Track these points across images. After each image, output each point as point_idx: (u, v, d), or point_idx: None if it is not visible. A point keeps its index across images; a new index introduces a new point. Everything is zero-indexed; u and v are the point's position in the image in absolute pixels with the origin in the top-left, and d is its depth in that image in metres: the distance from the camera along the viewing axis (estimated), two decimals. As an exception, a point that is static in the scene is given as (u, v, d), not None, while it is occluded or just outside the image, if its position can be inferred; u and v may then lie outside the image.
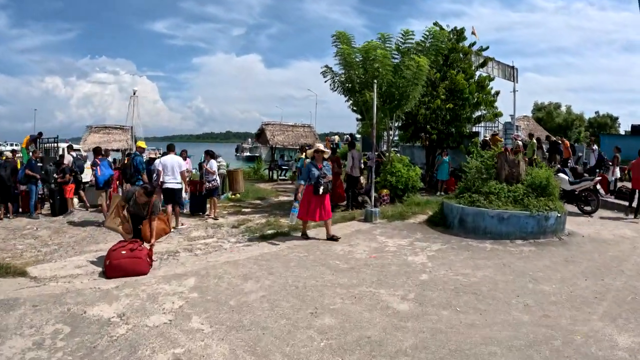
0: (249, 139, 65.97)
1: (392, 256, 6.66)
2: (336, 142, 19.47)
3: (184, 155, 11.88)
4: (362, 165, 11.19)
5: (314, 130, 23.63)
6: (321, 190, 7.47)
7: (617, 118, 51.84)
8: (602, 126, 49.06)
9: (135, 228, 6.63)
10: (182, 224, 9.33)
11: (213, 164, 10.78)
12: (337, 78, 11.31)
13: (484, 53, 17.98)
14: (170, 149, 9.88)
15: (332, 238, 7.62)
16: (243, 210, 11.76)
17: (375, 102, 9.17)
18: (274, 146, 21.95)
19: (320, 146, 8.05)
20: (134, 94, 19.77)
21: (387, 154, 12.30)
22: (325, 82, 11.28)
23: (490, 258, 6.70)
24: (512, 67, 23.33)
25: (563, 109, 48.38)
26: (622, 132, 46.04)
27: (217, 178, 10.81)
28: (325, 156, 8.09)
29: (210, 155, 10.94)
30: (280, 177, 21.48)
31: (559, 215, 8.16)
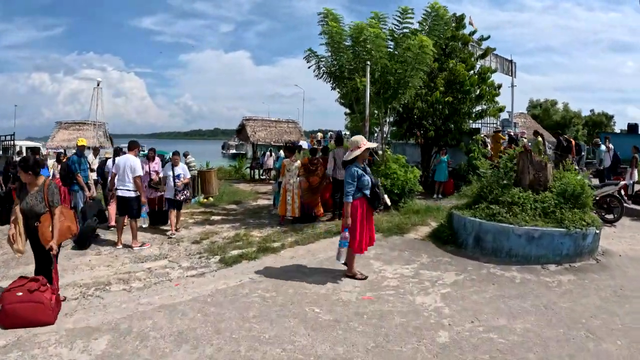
0: (235, 136, 63.78)
1: (393, 296, 4.86)
2: (319, 138, 17.76)
3: (151, 154, 9.90)
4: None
5: (299, 127, 21.75)
6: (387, 202, 5.52)
7: (612, 116, 50.69)
8: (598, 124, 47.86)
9: (30, 234, 4.63)
10: (143, 245, 7.36)
11: (186, 170, 8.68)
12: (323, 63, 9.51)
13: (484, 43, 16.34)
14: (130, 148, 7.80)
15: (353, 276, 5.50)
16: (212, 218, 9.95)
17: (368, 89, 7.38)
18: (255, 143, 20.06)
19: (364, 142, 5.32)
20: (98, 85, 17.68)
21: (381, 152, 10.55)
22: (309, 67, 9.48)
23: (525, 296, 4.98)
24: (510, 61, 21.75)
25: (559, 106, 47.05)
26: (617, 130, 44.93)
27: (190, 188, 8.69)
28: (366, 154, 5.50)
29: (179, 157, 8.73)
30: (261, 177, 19.62)
31: (597, 231, 6.52)
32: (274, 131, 20.03)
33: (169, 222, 8.61)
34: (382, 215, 9.18)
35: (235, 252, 6.49)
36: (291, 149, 9.26)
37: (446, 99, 13.78)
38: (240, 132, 20.67)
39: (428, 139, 14.84)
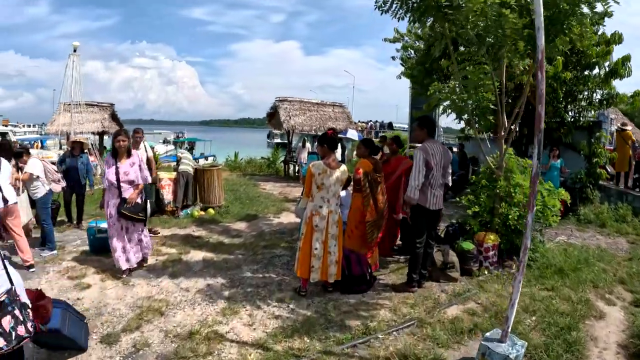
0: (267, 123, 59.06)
1: None
2: (359, 129, 12.93)
3: (121, 144, 4.73)
4: (449, 181, 4.74)
5: (347, 111, 16.92)
6: None
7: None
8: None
9: None
10: None
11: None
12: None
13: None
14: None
15: None
16: (188, 257, 5.77)
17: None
18: (290, 131, 15.56)
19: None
20: (75, 51, 13.78)
21: (500, 153, 5.89)
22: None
23: None
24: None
25: (649, 99, 39.59)
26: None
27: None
28: None
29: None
30: (296, 174, 15.30)
31: None
32: (314, 116, 15.39)
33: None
34: (489, 283, 4.63)
35: None
36: (328, 141, 4.68)
37: (564, 75, 8.87)
38: (273, 116, 16.21)
39: (525, 133, 10.00)
